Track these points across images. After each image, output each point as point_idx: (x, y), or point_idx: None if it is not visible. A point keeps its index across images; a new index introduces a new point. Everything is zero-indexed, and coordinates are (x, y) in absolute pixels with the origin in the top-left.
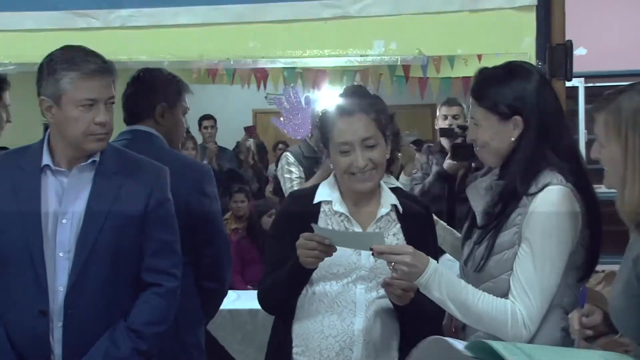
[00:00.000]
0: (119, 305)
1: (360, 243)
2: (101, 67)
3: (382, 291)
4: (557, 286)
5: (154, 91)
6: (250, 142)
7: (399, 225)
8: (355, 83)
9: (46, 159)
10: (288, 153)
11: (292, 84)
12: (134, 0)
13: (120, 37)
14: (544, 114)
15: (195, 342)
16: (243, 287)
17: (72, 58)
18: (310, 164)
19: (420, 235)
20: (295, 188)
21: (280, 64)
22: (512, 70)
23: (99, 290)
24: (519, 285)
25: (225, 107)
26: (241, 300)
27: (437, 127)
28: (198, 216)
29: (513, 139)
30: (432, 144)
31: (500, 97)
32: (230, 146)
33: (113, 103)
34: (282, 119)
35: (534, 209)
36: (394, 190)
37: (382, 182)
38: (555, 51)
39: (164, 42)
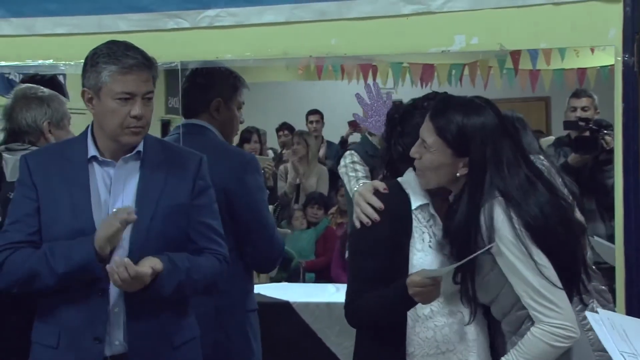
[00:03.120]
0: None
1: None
2: (140, 62)
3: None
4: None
5: (209, 86)
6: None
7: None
8: (464, 75)
9: (92, 150)
10: (353, 151)
11: (397, 80)
12: (220, 0)
13: (207, 37)
14: (500, 160)
15: (240, 329)
16: (344, 281)
17: (114, 52)
18: (375, 162)
19: None
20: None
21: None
22: (475, 107)
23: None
24: (532, 301)
25: (334, 102)
26: (340, 293)
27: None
28: (236, 204)
29: (459, 174)
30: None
31: (461, 133)
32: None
33: (151, 98)
34: (363, 115)
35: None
36: None
37: None
38: None
39: (249, 40)
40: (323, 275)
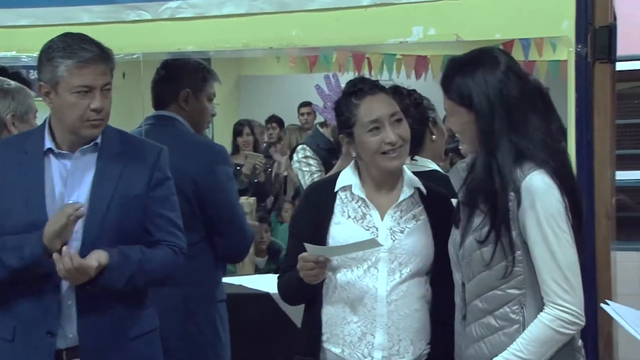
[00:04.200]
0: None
1: (357, 250)
2: (96, 55)
3: (405, 272)
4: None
5: (178, 78)
6: None
7: (422, 206)
8: None
9: (48, 143)
10: (305, 145)
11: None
12: None
13: (169, 29)
14: (508, 106)
15: (209, 320)
16: None
17: (69, 46)
18: (327, 155)
19: (445, 219)
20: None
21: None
22: (476, 60)
23: None
24: (551, 279)
25: None
26: None
27: None
28: (206, 195)
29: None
30: None
31: (464, 89)
32: None
33: (109, 90)
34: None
35: (527, 196)
36: (430, 173)
37: (404, 166)
38: (598, 34)
39: (209, 32)
40: None
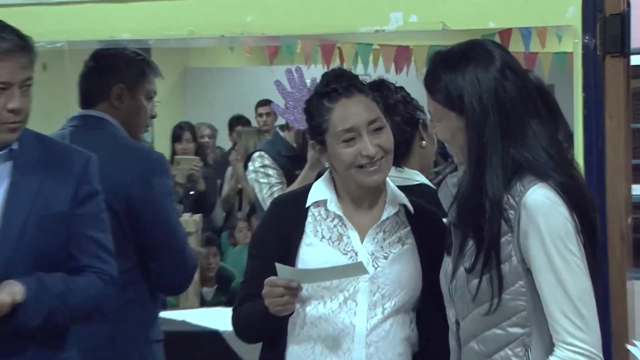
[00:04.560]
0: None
1: (339, 276)
2: (17, 44)
3: (389, 307)
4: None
5: (110, 71)
6: None
7: (409, 227)
8: None
9: None
10: (262, 152)
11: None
12: None
13: (100, 12)
14: (504, 109)
15: None
16: None
17: None
18: (290, 164)
19: (436, 243)
20: (276, 195)
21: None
22: (467, 54)
23: None
24: (561, 314)
25: None
26: None
27: None
28: (140, 212)
29: None
30: None
31: (453, 89)
32: None
33: (30, 86)
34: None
35: (527, 214)
36: (418, 187)
37: (387, 179)
38: (609, 22)
39: (149, 16)
40: None
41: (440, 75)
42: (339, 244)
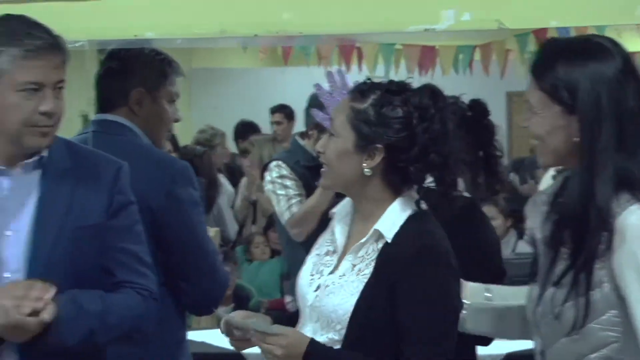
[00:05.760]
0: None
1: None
2: (50, 42)
3: (331, 336)
4: None
5: (128, 73)
6: None
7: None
8: (474, 60)
9: None
10: (280, 162)
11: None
12: None
13: (123, 10)
14: (620, 116)
15: None
16: None
17: (13, 31)
18: (310, 175)
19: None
20: (295, 209)
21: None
22: (586, 48)
23: None
24: None
25: (306, 95)
26: None
27: None
28: (165, 226)
29: (576, 139)
30: None
31: (568, 81)
32: None
33: (62, 88)
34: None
35: (623, 238)
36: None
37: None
38: None
39: (176, 14)
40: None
41: (555, 64)
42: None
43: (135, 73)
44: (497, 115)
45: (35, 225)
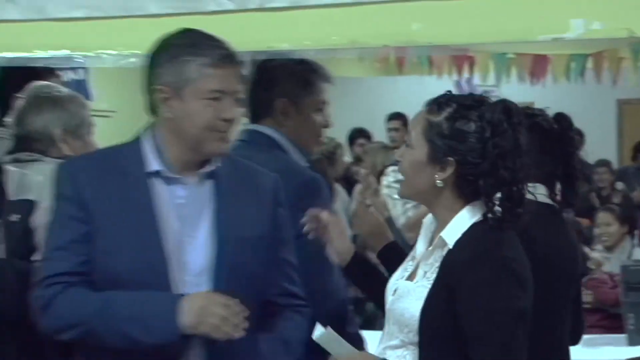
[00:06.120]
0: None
1: None
2: (230, 54)
3: (402, 338)
4: None
5: (271, 84)
6: None
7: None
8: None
9: (155, 163)
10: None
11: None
12: None
13: (257, 22)
14: None
15: None
16: None
17: (198, 43)
18: None
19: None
20: (410, 213)
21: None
22: None
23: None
24: None
25: (420, 104)
26: None
27: None
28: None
29: None
30: None
31: None
32: None
33: (239, 100)
34: None
35: None
36: None
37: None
38: None
39: (309, 26)
40: None
41: None
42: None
43: (278, 84)
44: (608, 123)
45: (215, 234)
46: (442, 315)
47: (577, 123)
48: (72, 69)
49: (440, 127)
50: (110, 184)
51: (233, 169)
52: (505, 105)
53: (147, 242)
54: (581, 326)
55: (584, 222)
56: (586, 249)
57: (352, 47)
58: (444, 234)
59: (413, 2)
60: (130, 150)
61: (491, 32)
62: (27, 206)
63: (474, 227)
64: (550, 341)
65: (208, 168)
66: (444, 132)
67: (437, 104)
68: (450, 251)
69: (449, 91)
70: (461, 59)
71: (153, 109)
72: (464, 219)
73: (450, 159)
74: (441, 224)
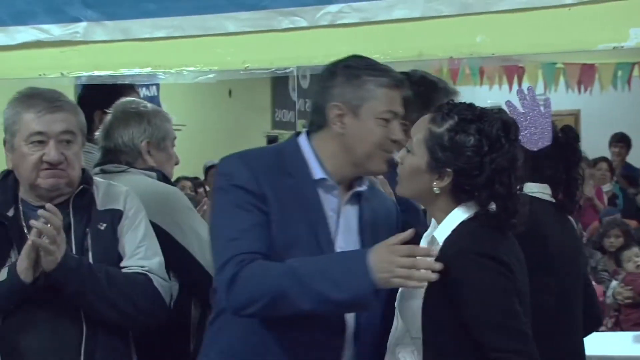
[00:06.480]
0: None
1: None
2: (402, 78)
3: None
4: None
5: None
6: None
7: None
8: (633, 77)
9: (319, 172)
10: None
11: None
12: None
13: (328, 37)
14: None
15: None
16: None
17: (375, 66)
18: None
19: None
20: None
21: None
22: None
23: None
24: None
25: None
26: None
27: None
28: None
29: None
30: None
31: None
32: None
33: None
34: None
35: None
36: None
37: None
38: None
39: (377, 40)
40: None
41: None
42: None
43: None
44: None
45: (361, 243)
46: (441, 311)
47: (624, 130)
48: (145, 85)
49: (442, 139)
50: (283, 184)
51: (371, 192)
52: (504, 121)
53: (322, 241)
54: (599, 310)
55: (632, 223)
56: (635, 249)
57: (420, 59)
58: (436, 232)
59: (477, 15)
60: (292, 155)
61: (552, 43)
62: (114, 215)
63: (462, 224)
64: (565, 331)
65: (358, 187)
66: (444, 144)
67: (440, 114)
68: (440, 249)
69: (452, 100)
70: (512, 69)
71: (318, 124)
72: (455, 217)
73: (449, 169)
74: (438, 223)
